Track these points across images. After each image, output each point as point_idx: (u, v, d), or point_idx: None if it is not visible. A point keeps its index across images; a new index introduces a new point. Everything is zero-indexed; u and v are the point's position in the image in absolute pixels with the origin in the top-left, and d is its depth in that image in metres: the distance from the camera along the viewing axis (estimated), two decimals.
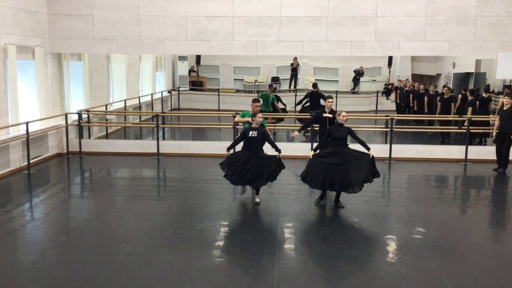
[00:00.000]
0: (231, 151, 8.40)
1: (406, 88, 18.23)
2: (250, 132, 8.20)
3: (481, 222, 8.14)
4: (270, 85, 16.07)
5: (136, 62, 18.51)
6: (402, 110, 18.73)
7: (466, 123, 12.15)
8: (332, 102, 9.15)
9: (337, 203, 8.32)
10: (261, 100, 9.50)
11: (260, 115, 8.31)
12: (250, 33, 12.33)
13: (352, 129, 8.34)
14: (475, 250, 6.67)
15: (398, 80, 21.60)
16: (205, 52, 12.70)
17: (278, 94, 15.82)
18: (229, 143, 8.62)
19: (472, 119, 12.42)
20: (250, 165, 8.07)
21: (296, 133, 9.66)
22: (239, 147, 8.51)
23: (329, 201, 8.64)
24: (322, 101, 14.21)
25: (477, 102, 13.56)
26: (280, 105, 14.99)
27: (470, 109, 13.29)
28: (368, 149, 8.12)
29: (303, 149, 12.40)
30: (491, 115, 13.75)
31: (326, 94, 10.39)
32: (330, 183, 7.91)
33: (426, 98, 15.94)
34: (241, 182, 8.22)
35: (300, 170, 11.23)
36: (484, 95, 14.16)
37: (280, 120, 14.97)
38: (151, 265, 5.97)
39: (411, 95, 17.25)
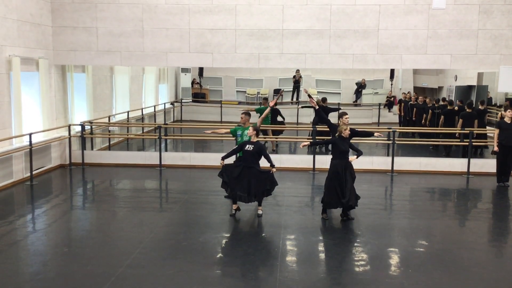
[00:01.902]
0: (226, 161, 8.49)
1: (411, 102, 18.14)
2: (247, 146, 8.26)
3: (484, 235, 8.12)
4: (265, 99, 16.17)
5: (140, 74, 18.61)
6: (407, 123, 18.59)
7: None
8: (348, 118, 8.95)
9: (347, 215, 8.42)
10: (250, 112, 9.66)
11: (250, 130, 8.44)
12: (252, 46, 12.42)
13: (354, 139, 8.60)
14: (477, 263, 6.65)
15: (402, 93, 21.60)
16: (208, 64, 12.78)
17: (279, 107, 15.90)
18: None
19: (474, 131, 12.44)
20: (243, 176, 8.14)
21: (305, 143, 9.66)
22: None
23: (332, 214, 8.62)
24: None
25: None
26: (279, 118, 15.11)
27: (460, 121, 13.32)
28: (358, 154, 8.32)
29: (305, 161, 12.43)
30: (487, 127, 13.77)
31: (340, 110, 10.35)
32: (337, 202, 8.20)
33: (430, 111, 15.89)
34: (234, 195, 8.25)
35: (303, 182, 11.31)
36: (480, 107, 14.19)
37: (279, 132, 15.07)
38: (153, 277, 5.97)
39: (415, 109, 17.14)
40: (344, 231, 7.96)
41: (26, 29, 11.40)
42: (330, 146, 9.28)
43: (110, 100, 15.94)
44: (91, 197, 10.44)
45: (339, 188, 8.07)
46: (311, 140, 10.75)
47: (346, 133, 8.19)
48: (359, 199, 8.37)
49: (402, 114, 19.25)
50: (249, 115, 9.51)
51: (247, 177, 8.12)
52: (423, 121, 16.24)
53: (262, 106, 14.70)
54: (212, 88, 25.24)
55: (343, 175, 8.07)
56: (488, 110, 15.43)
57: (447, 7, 12.04)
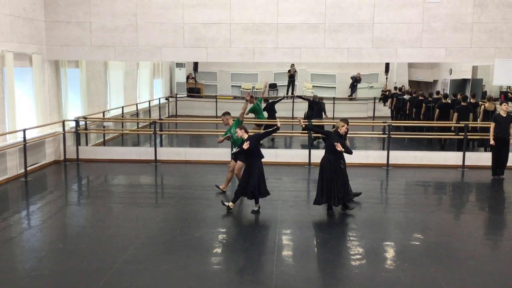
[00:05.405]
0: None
1: (405, 96, 18.15)
2: (244, 144, 8.21)
3: (479, 228, 8.15)
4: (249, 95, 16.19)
5: (134, 69, 18.52)
6: (400, 117, 18.58)
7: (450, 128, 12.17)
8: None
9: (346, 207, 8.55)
10: (228, 111, 9.67)
11: (238, 131, 8.56)
12: (247, 40, 12.36)
13: (348, 135, 8.76)
14: (473, 256, 6.66)
15: (394, 87, 21.59)
16: (203, 59, 12.73)
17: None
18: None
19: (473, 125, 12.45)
20: (252, 176, 8.30)
21: (301, 122, 9.61)
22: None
23: (326, 209, 8.63)
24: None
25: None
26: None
27: (455, 114, 13.36)
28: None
29: (301, 155, 12.42)
30: (478, 120, 13.83)
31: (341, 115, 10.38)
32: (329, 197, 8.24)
33: (424, 105, 15.91)
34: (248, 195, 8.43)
35: (298, 177, 11.30)
36: (471, 100, 14.24)
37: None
38: (149, 273, 5.95)
39: (408, 103, 17.16)
40: (340, 225, 7.97)
41: (19, 24, 11.30)
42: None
43: (104, 95, 15.86)
44: (86, 193, 10.40)
45: (325, 186, 8.14)
46: (307, 123, 10.78)
47: (343, 130, 8.23)
48: (350, 197, 8.53)
49: (393, 108, 19.28)
50: (228, 113, 9.54)
51: (254, 175, 8.25)
52: (413, 115, 16.28)
53: (258, 103, 14.72)
54: (207, 83, 25.18)
55: (331, 170, 8.11)
56: (479, 103, 15.49)
57: (441, 0, 12.03)
